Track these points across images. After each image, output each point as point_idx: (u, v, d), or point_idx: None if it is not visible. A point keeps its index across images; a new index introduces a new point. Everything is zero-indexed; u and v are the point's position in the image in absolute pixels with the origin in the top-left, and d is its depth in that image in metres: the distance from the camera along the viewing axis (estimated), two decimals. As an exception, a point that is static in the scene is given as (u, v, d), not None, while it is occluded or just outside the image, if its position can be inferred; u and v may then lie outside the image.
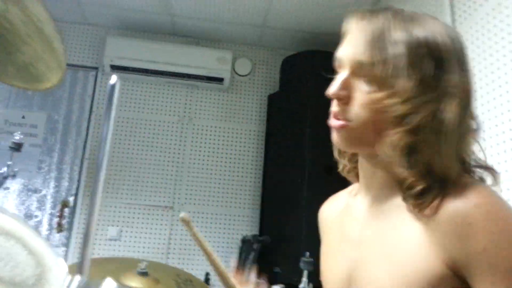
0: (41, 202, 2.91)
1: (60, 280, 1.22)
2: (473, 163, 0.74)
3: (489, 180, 0.73)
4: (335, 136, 0.78)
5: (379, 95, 0.71)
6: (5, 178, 1.54)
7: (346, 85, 0.74)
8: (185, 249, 2.92)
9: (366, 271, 0.77)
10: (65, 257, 2.84)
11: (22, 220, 1.30)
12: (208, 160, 3.05)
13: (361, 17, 0.75)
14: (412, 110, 0.69)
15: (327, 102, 0.79)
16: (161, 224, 2.93)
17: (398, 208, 0.74)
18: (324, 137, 0.90)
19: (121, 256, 2.46)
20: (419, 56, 0.70)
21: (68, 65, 1.25)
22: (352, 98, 0.74)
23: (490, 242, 0.62)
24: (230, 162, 3.07)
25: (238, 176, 3.06)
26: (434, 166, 0.68)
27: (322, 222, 0.99)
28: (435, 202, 0.67)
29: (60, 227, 2.88)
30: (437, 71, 0.70)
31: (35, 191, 2.91)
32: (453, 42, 0.73)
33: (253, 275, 1.02)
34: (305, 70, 2.76)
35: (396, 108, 0.69)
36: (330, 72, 0.80)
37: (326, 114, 0.80)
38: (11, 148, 1.56)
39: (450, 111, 0.69)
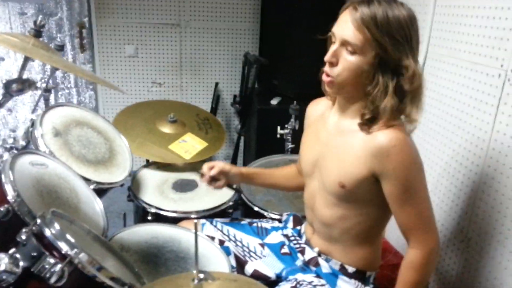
0: (59, 25, 3.16)
1: (124, 147, 1.71)
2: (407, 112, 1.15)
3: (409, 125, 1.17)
4: (326, 87, 1.20)
5: (356, 61, 1.10)
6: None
7: (335, 54, 1.13)
8: (195, 62, 3.32)
9: (325, 161, 1.27)
10: (94, 71, 3.28)
11: (82, 107, 1.70)
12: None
13: (353, 7, 1.09)
14: (375, 75, 1.10)
15: None
16: (171, 41, 3.24)
17: (352, 131, 1.19)
18: None
19: (153, 100, 2.81)
20: (383, 37, 1.06)
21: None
22: (338, 63, 1.13)
23: (397, 165, 1.10)
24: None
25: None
26: (381, 110, 1.11)
27: (307, 117, 1.45)
28: (375, 131, 1.12)
29: (82, 48, 3.22)
30: (396, 46, 1.07)
31: (51, 14, 3.13)
32: (412, 23, 1.09)
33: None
34: None
35: (365, 71, 1.10)
36: None
37: None
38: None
39: (405, 77, 1.09)
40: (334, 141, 1.24)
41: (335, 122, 1.27)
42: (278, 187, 1.66)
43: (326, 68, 1.16)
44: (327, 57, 1.14)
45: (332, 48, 1.13)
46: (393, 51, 1.07)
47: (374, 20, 1.06)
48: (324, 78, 1.18)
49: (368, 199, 1.20)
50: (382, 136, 1.10)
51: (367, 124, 1.14)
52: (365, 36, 1.07)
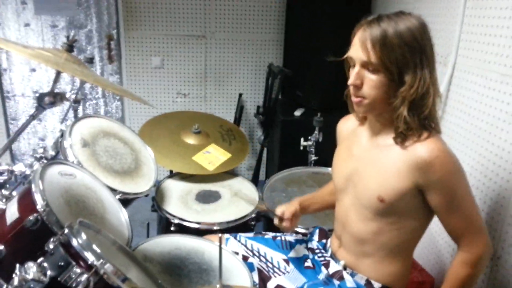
0: (88, 37, 3.26)
1: (149, 158, 1.74)
2: (434, 122, 1.16)
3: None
4: (355, 108, 1.20)
5: (380, 79, 1.11)
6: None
7: (358, 76, 1.14)
8: (220, 72, 3.36)
9: (360, 176, 1.26)
10: (120, 83, 3.35)
11: (110, 118, 1.74)
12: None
13: (364, 28, 1.11)
14: (402, 90, 1.10)
15: None
16: (197, 52, 3.29)
17: (388, 145, 1.19)
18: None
19: (178, 111, 2.87)
20: (403, 54, 1.08)
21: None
22: (363, 84, 1.14)
23: (442, 175, 1.10)
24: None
25: (263, 2, 3.22)
26: (413, 122, 1.12)
27: (338, 133, 1.45)
28: (411, 144, 1.13)
29: (110, 59, 3.30)
30: (417, 60, 1.09)
31: (81, 27, 3.23)
32: (424, 31, 1.10)
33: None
34: None
35: (390, 86, 1.11)
36: None
37: None
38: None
39: (422, 87, 1.09)
40: (370, 155, 1.24)
41: (369, 137, 1.27)
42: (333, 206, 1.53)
43: (352, 91, 1.17)
44: (350, 81, 1.15)
45: (354, 71, 1.15)
46: (409, 62, 1.09)
47: (387, 37, 1.08)
48: (353, 99, 1.18)
49: (405, 212, 1.19)
50: (422, 148, 1.11)
51: (401, 137, 1.14)
52: (382, 53, 1.08)
